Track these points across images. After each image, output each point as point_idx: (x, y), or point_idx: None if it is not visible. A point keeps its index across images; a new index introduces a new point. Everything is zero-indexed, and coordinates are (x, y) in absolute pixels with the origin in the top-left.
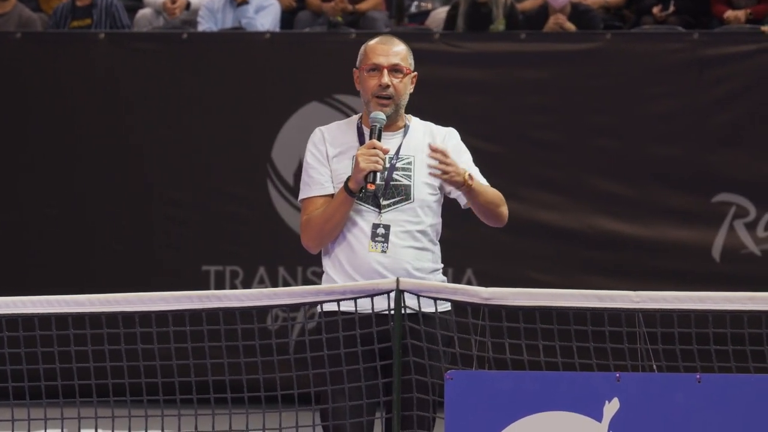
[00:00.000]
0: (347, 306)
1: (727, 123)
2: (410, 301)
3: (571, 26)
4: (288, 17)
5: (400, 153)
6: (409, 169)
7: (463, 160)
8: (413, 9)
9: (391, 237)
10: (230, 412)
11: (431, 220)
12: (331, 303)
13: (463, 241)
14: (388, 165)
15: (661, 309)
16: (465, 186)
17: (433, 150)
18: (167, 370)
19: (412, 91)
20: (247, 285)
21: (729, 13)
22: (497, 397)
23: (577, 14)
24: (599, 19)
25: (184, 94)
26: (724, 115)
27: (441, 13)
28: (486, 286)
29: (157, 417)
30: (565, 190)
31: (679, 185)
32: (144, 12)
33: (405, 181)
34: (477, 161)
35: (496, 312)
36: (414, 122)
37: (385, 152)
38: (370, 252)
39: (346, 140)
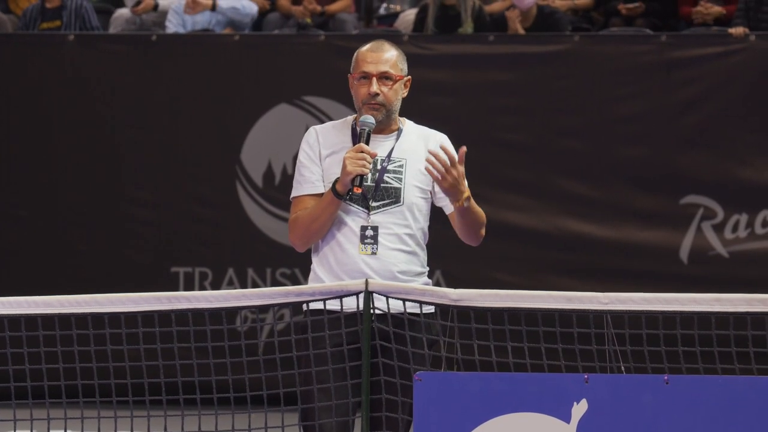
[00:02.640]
0: (331, 306)
1: (694, 125)
2: (394, 303)
3: (520, 29)
4: (257, 19)
5: (392, 156)
6: (400, 172)
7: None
8: (382, 11)
9: (380, 239)
10: (199, 413)
11: (420, 223)
12: (314, 303)
13: (432, 243)
14: (379, 167)
15: (629, 310)
16: (460, 204)
17: (446, 152)
18: (136, 371)
19: (405, 95)
20: (216, 286)
21: (695, 11)
22: (466, 398)
23: (544, 16)
24: (567, 21)
25: (154, 96)
26: (692, 116)
27: (410, 15)
28: (454, 287)
29: (126, 418)
30: (533, 192)
31: (646, 187)
32: (121, 12)
33: (395, 184)
34: None
35: (465, 313)
36: (408, 126)
37: (373, 156)
38: (360, 254)
39: (340, 140)
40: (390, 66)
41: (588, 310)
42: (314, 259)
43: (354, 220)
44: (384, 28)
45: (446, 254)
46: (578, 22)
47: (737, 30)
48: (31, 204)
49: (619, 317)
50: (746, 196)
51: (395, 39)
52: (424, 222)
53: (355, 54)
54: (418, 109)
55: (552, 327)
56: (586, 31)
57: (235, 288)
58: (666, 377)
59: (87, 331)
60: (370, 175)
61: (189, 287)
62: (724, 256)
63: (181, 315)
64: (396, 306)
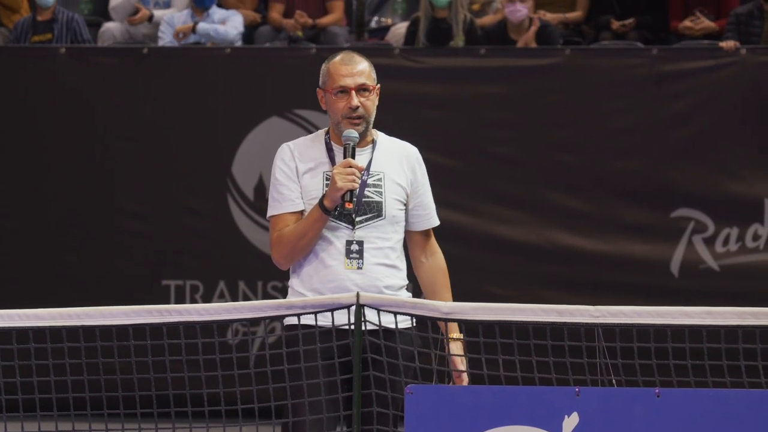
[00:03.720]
0: (311, 320)
1: (685, 138)
2: (374, 317)
3: (533, 41)
4: (249, 32)
5: (370, 169)
6: (379, 186)
7: (427, 185)
8: (373, 24)
9: (365, 254)
10: (190, 426)
11: (399, 236)
12: (295, 317)
13: None
14: (359, 181)
15: (620, 324)
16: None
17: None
18: (128, 384)
19: (377, 103)
20: (207, 299)
21: (683, 25)
22: (457, 411)
23: (536, 30)
24: (558, 34)
25: (145, 109)
26: (683, 130)
27: (401, 28)
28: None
29: (117, 431)
30: (524, 205)
31: (637, 200)
32: (108, 26)
33: (376, 198)
34: (437, 176)
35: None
36: (381, 137)
37: (361, 170)
38: (345, 269)
39: (315, 156)
40: (365, 77)
41: (579, 323)
42: (294, 278)
43: (337, 236)
44: (375, 42)
45: None
46: (569, 35)
47: (728, 44)
48: (21, 216)
49: (610, 330)
50: (737, 210)
51: (386, 52)
52: (402, 234)
53: (325, 67)
54: (409, 123)
55: (543, 340)
56: (577, 44)
57: (226, 301)
58: (657, 390)
59: (78, 344)
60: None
61: (180, 300)
62: (715, 269)
63: (173, 328)
64: (375, 320)
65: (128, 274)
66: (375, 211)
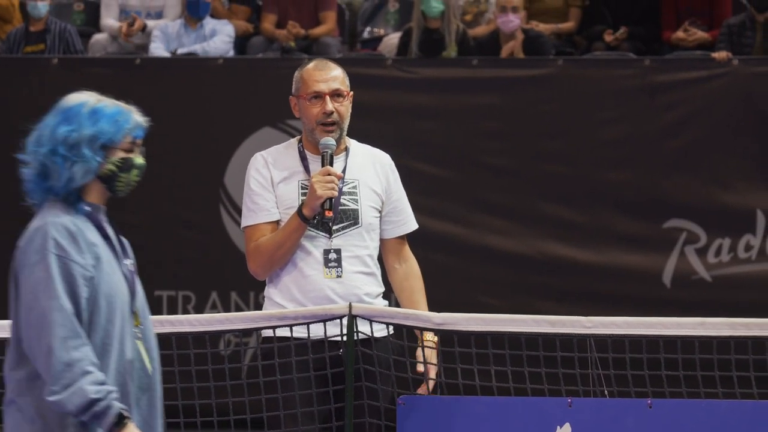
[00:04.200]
0: (294, 332)
1: (678, 149)
2: (361, 327)
3: (520, 51)
4: (241, 42)
5: (345, 177)
6: (355, 193)
7: (401, 192)
8: (366, 35)
9: (343, 262)
10: None
11: (375, 243)
12: (281, 328)
13: None
14: (338, 189)
15: (612, 334)
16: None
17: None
18: None
19: (350, 110)
20: (199, 310)
21: (676, 36)
22: (449, 422)
23: (528, 40)
24: (551, 45)
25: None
26: (675, 141)
27: (393, 38)
28: (437, 311)
29: None
30: (516, 216)
31: (630, 211)
32: (98, 37)
33: (352, 206)
34: (429, 186)
35: (448, 337)
36: (354, 145)
37: (340, 178)
38: (324, 278)
39: (289, 165)
40: (339, 83)
41: (571, 334)
42: (271, 288)
43: (315, 245)
44: (368, 52)
45: (429, 278)
46: (562, 46)
47: (720, 54)
48: (12, 228)
49: (602, 341)
50: (729, 221)
51: (379, 63)
52: (377, 241)
53: (299, 74)
54: (401, 133)
55: (536, 351)
56: (569, 55)
57: (219, 312)
58: (649, 401)
59: None
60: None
61: (172, 311)
62: (707, 280)
63: (165, 338)
64: (362, 329)
65: None
66: (351, 219)
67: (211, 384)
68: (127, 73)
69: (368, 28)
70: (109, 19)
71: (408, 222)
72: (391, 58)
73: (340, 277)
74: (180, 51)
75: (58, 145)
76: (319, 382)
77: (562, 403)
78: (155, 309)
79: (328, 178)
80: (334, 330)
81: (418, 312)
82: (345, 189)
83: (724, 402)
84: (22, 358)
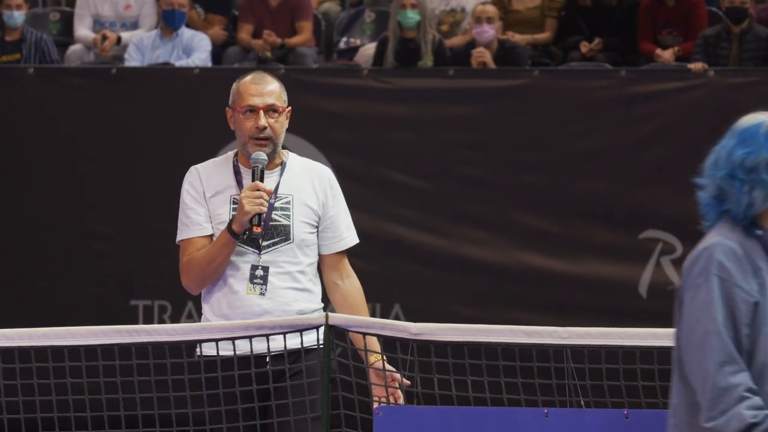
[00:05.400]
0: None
1: (654, 160)
2: (289, 340)
3: (491, 62)
4: (217, 52)
5: (278, 192)
6: (287, 209)
7: (339, 207)
8: (342, 45)
9: (271, 278)
10: None
11: (310, 259)
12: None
13: (391, 276)
14: (267, 205)
15: (588, 345)
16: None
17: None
18: (96, 404)
19: (287, 126)
20: (175, 320)
21: (658, 52)
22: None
23: (504, 51)
24: (527, 55)
25: (114, 129)
26: (651, 151)
27: (369, 49)
28: (414, 321)
29: None
30: (492, 226)
31: (605, 221)
32: (75, 48)
33: (284, 221)
34: (405, 197)
35: (425, 347)
36: (291, 159)
37: (269, 194)
38: (248, 294)
39: (222, 180)
40: (275, 98)
41: (548, 344)
42: (204, 304)
43: (244, 261)
44: (344, 62)
45: (405, 287)
46: (538, 56)
47: (696, 65)
48: None
49: (578, 352)
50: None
51: (355, 73)
52: (313, 257)
53: (235, 86)
54: (377, 143)
55: (512, 361)
56: (545, 65)
57: (195, 321)
58: (626, 412)
59: (47, 364)
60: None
61: (148, 320)
62: None
63: (142, 348)
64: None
65: (96, 294)
66: (282, 234)
67: (187, 393)
68: (103, 83)
69: (344, 38)
70: (83, 30)
71: (345, 238)
72: (367, 68)
73: (263, 294)
74: (156, 61)
75: (736, 169)
76: (248, 399)
77: (539, 413)
78: (131, 319)
79: (257, 193)
80: (292, 342)
81: (394, 322)
82: (277, 204)
83: None
84: (682, 380)
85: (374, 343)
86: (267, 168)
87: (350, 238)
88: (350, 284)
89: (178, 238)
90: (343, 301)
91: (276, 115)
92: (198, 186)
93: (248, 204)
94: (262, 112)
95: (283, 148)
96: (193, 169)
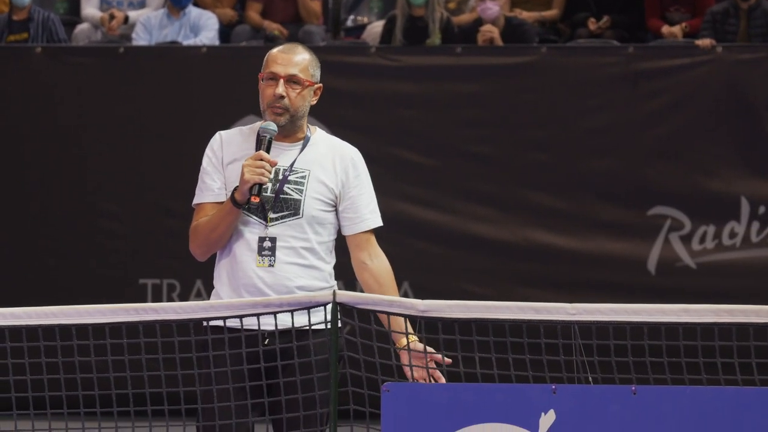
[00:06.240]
0: (236, 323)
1: (661, 136)
2: (285, 318)
3: (499, 39)
4: (226, 31)
5: (294, 166)
6: (301, 183)
7: (363, 188)
8: (350, 23)
9: (277, 252)
10: (167, 423)
11: (320, 237)
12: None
13: (399, 254)
14: (280, 177)
15: (596, 321)
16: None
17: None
18: (104, 383)
19: (314, 102)
20: (184, 298)
21: (666, 29)
22: (433, 409)
23: (511, 28)
24: (534, 32)
25: (121, 108)
26: (659, 128)
27: (377, 27)
28: (422, 298)
29: (94, 429)
30: (501, 204)
31: (614, 198)
32: (82, 27)
33: (295, 196)
34: (413, 174)
35: (433, 324)
36: (317, 135)
37: (273, 164)
38: (257, 267)
39: (243, 147)
40: (300, 70)
41: (555, 320)
42: (215, 272)
43: (251, 231)
44: (351, 40)
45: (413, 265)
46: (545, 33)
47: (704, 42)
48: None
49: (586, 328)
50: (713, 208)
51: (362, 51)
52: (326, 236)
53: (267, 55)
54: (385, 121)
55: (520, 338)
56: (553, 42)
57: (203, 300)
58: (633, 388)
59: (54, 343)
60: (270, 185)
61: (157, 299)
62: (692, 267)
63: (149, 326)
64: (286, 320)
65: (105, 273)
66: (292, 208)
67: (195, 371)
68: (111, 62)
69: (352, 16)
70: (90, 9)
71: (367, 220)
72: (375, 46)
73: (272, 266)
74: (163, 40)
75: None
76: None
77: (547, 389)
78: (139, 297)
79: (259, 163)
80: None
81: (402, 299)
82: (291, 178)
83: (708, 388)
84: None
85: (402, 324)
86: (287, 141)
87: (372, 220)
88: (379, 264)
89: (193, 202)
90: (373, 282)
91: (297, 87)
92: (218, 152)
93: (248, 173)
94: (282, 81)
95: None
96: (217, 135)
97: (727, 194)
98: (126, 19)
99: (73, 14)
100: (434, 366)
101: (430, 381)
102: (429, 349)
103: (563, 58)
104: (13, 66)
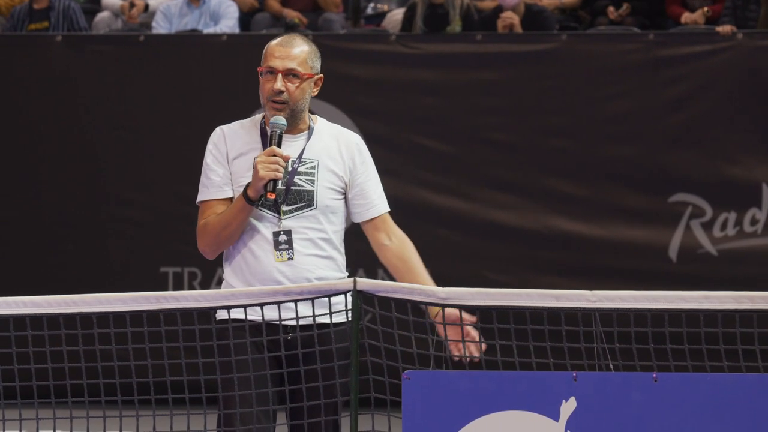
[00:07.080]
0: (241, 314)
1: (682, 123)
2: (304, 309)
3: (519, 26)
4: (246, 19)
5: (303, 157)
6: (312, 174)
7: (369, 174)
8: (369, 10)
9: (294, 244)
10: (188, 412)
11: (335, 226)
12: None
13: (419, 241)
14: (290, 169)
15: (617, 308)
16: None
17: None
18: (125, 371)
19: (315, 93)
20: (205, 286)
21: (686, 16)
22: (454, 396)
23: (531, 15)
24: (554, 19)
25: (141, 96)
26: (680, 115)
27: (397, 14)
28: (442, 286)
29: (115, 418)
30: (521, 191)
31: (635, 185)
32: (102, 15)
33: (308, 186)
34: (433, 162)
35: None
36: (320, 124)
37: (286, 159)
38: (277, 261)
39: (247, 141)
40: (298, 63)
41: (576, 308)
42: (226, 268)
43: (265, 226)
44: (371, 28)
45: (433, 252)
46: (565, 20)
47: (725, 28)
48: (18, 205)
49: (607, 315)
50: (735, 194)
51: (382, 38)
52: (339, 225)
53: (265, 47)
54: (405, 109)
55: (540, 325)
56: (573, 29)
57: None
58: (654, 375)
59: (75, 331)
60: (281, 181)
61: (178, 287)
62: (713, 254)
63: (170, 314)
64: (305, 313)
65: (126, 261)
66: (306, 200)
67: (216, 359)
68: (131, 51)
69: (372, 4)
70: None
71: (377, 205)
72: (395, 34)
73: (292, 259)
74: (183, 29)
75: None
76: (272, 365)
77: (568, 377)
78: (161, 285)
79: (273, 159)
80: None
81: (423, 287)
82: (301, 169)
83: (729, 375)
84: None
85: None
86: (291, 133)
87: (382, 205)
88: (398, 242)
89: (198, 199)
90: (398, 259)
91: (296, 80)
92: (222, 147)
93: (263, 169)
94: (280, 75)
95: (311, 113)
96: (218, 129)
97: (749, 181)
98: (146, 7)
99: (94, 3)
100: (471, 339)
101: (465, 354)
102: (465, 315)
103: (583, 45)
104: (34, 55)
